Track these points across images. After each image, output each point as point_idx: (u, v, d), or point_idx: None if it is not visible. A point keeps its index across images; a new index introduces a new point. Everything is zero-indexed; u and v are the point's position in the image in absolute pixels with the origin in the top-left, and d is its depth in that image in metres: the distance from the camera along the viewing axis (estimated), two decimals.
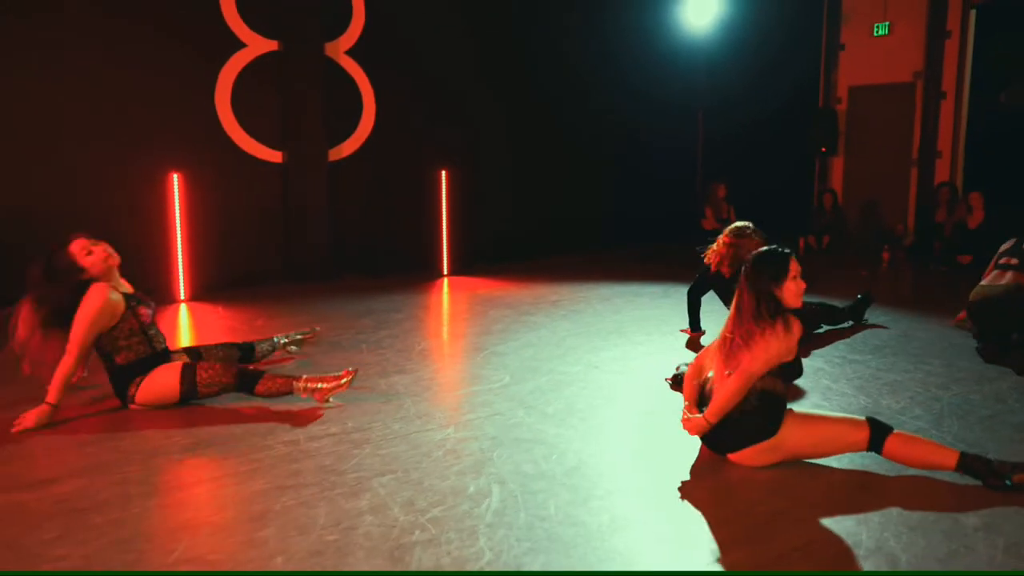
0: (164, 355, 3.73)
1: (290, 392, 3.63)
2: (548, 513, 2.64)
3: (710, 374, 3.11)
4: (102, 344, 3.57)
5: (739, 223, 4.67)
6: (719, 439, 3.02)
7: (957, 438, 3.29)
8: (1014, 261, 4.91)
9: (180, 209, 6.36)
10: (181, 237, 6.37)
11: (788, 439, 2.92)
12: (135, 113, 6.28)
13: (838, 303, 5.47)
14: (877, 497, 2.75)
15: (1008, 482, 2.75)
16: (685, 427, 3.07)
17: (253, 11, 6.72)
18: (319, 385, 3.63)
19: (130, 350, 3.59)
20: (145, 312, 3.67)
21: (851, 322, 5.40)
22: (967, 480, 2.84)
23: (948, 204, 9.13)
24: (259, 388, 3.63)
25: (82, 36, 6.04)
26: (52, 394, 3.42)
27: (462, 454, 3.14)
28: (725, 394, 2.90)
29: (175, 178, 6.33)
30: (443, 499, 2.74)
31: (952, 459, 2.83)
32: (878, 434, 2.88)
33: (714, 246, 4.72)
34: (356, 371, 3.74)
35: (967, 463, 2.81)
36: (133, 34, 6.23)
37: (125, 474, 2.94)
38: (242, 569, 2.30)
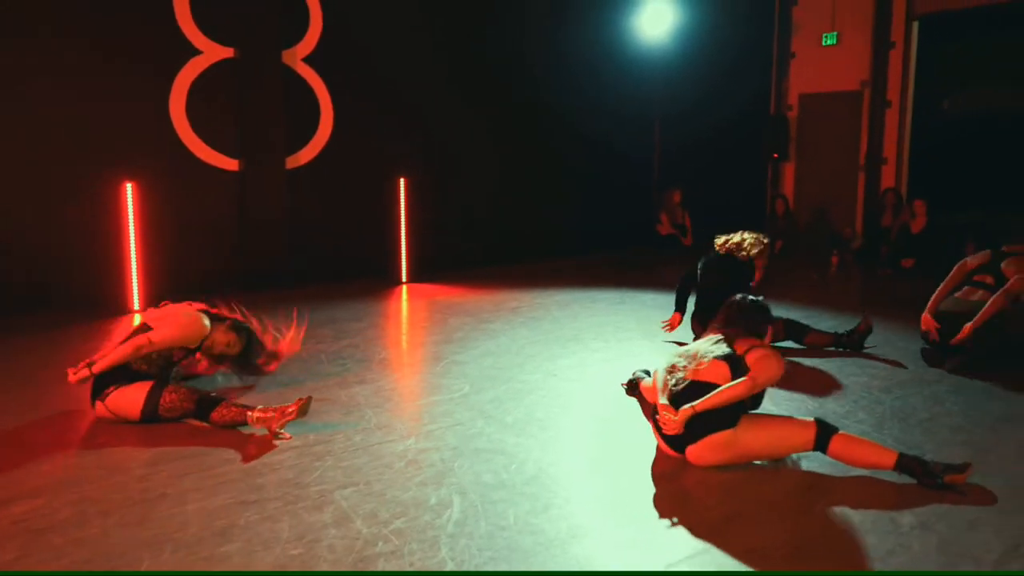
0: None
1: (244, 422, 3.58)
2: (508, 522, 2.70)
3: (680, 374, 3.21)
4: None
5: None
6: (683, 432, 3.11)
7: (898, 440, 3.45)
8: (989, 280, 4.77)
9: (134, 219, 6.27)
10: (135, 247, 6.28)
11: (743, 436, 3.07)
12: (88, 122, 6.17)
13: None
14: (824, 497, 2.88)
15: (940, 481, 2.92)
16: (669, 426, 3.10)
17: (208, 18, 6.66)
18: (271, 414, 3.54)
19: (149, 363, 3.73)
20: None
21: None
22: (904, 479, 2.99)
23: (893, 209, 9.49)
24: (214, 415, 3.60)
25: (33, 44, 5.92)
26: (99, 364, 3.61)
27: (423, 465, 3.20)
28: (726, 395, 3.05)
29: (129, 187, 6.24)
30: (405, 510, 2.80)
31: (891, 459, 2.99)
32: (824, 435, 3.03)
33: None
34: (308, 399, 3.64)
35: (904, 463, 2.97)
36: (85, 42, 6.13)
37: (83, 492, 2.92)
38: None
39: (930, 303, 4.82)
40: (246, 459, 3.24)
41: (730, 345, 3.23)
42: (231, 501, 2.86)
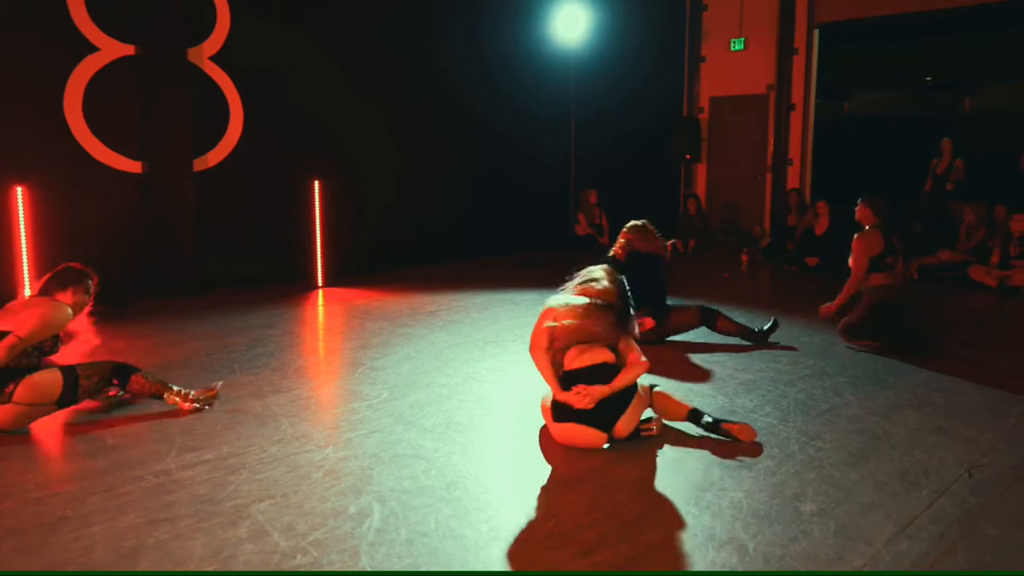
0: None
1: (161, 396, 3.77)
2: (429, 528, 2.71)
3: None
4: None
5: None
6: (605, 413, 3.38)
7: (800, 432, 3.64)
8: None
9: (25, 224, 5.93)
10: (27, 254, 5.94)
11: (640, 395, 3.53)
12: None
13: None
14: (731, 492, 3.00)
15: (719, 428, 3.49)
16: (580, 402, 3.36)
17: (105, 13, 6.35)
18: (187, 393, 3.80)
19: (27, 356, 3.64)
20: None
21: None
22: (807, 472, 3.15)
23: (797, 208, 9.95)
24: (134, 382, 3.74)
25: None
26: None
27: (342, 474, 3.16)
28: (633, 374, 3.44)
29: (19, 192, 5.90)
30: (324, 521, 2.76)
31: (684, 411, 3.57)
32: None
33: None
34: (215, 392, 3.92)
35: (692, 415, 3.56)
36: None
37: None
38: None
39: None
40: (154, 475, 3.12)
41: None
42: (139, 520, 2.75)
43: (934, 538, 2.66)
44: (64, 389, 3.63)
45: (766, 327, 5.36)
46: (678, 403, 3.62)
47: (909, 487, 3.05)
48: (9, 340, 3.54)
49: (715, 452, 3.37)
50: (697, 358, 4.96)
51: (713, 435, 3.52)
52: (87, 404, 3.86)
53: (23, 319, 3.63)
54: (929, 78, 12.43)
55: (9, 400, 3.55)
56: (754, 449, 3.40)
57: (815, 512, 2.83)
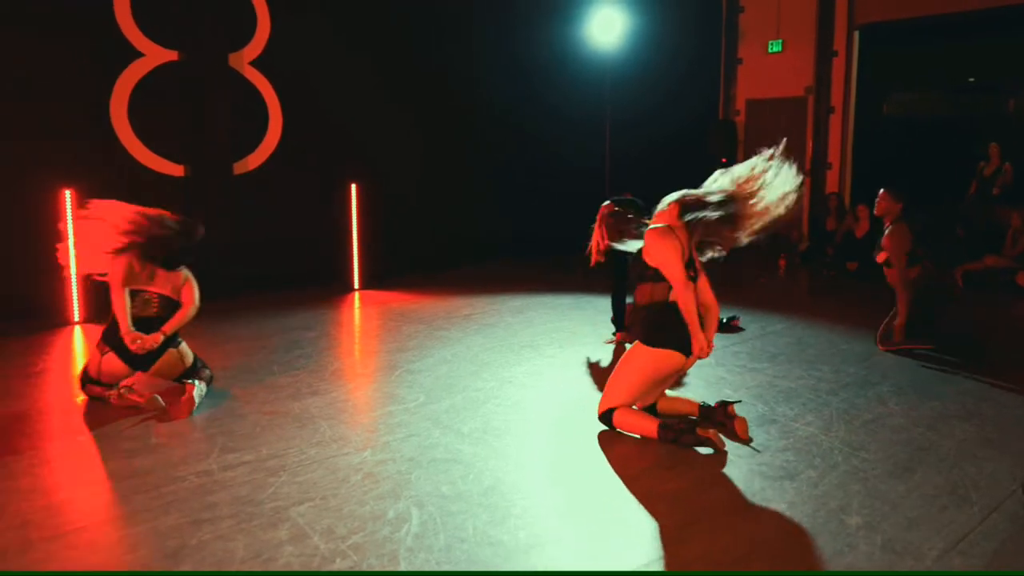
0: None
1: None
2: (467, 535, 2.70)
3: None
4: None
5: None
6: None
7: (844, 442, 3.56)
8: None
9: (73, 227, 6.06)
10: (74, 256, 6.07)
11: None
12: (25, 126, 5.96)
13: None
14: (773, 503, 2.95)
15: (694, 435, 3.45)
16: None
17: (150, 20, 6.48)
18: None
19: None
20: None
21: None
22: (852, 483, 3.08)
23: (836, 213, 9.78)
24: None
25: None
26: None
27: (380, 478, 3.17)
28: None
29: (67, 194, 6.04)
30: (363, 525, 2.77)
31: (654, 428, 3.51)
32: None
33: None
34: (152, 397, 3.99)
35: (662, 434, 3.49)
36: (23, 44, 5.91)
37: (24, 516, 2.82)
38: None
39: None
40: (196, 476, 3.16)
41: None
42: (183, 521, 2.79)
43: (987, 555, 2.58)
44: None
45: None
46: (688, 402, 3.76)
47: (959, 502, 2.96)
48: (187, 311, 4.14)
49: (756, 462, 3.32)
50: (736, 365, 4.89)
51: (708, 420, 3.67)
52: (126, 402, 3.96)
53: (188, 293, 4.22)
54: (972, 79, 12.14)
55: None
56: (797, 459, 3.34)
57: (860, 525, 2.77)
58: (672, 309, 3.52)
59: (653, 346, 3.54)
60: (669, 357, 3.53)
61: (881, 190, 5.32)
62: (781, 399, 4.19)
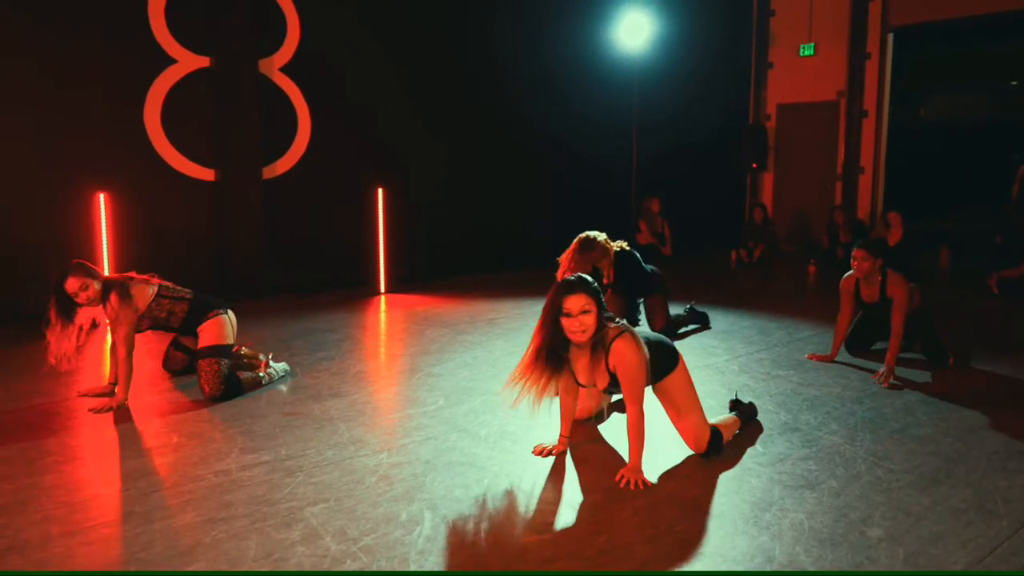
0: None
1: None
2: (479, 538, 2.69)
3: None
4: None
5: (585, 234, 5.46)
6: None
7: (868, 451, 3.48)
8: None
9: (107, 229, 6.21)
10: (108, 258, 6.22)
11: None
12: (60, 131, 6.12)
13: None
14: (792, 513, 2.89)
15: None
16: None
17: (183, 27, 6.62)
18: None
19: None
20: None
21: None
22: (874, 495, 3.01)
23: (846, 225, 9.58)
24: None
25: (4, 53, 5.86)
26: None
27: (395, 480, 3.17)
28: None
29: (102, 198, 6.18)
30: (376, 527, 2.77)
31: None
32: None
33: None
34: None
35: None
36: (57, 50, 6.07)
37: (46, 512, 2.87)
38: None
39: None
40: (215, 475, 3.20)
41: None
42: (198, 519, 2.82)
43: (1015, 571, 2.50)
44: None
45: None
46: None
47: (987, 516, 2.87)
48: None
49: (777, 471, 3.25)
50: (760, 372, 4.82)
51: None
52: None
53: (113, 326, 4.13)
54: (1015, 82, 11.86)
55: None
56: (819, 468, 3.27)
57: (882, 538, 2.70)
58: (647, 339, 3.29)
59: (671, 372, 3.33)
60: (681, 370, 3.37)
61: (855, 250, 4.81)
62: (805, 407, 4.12)
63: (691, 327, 5.94)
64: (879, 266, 4.81)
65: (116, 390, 4.06)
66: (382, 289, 7.60)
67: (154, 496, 3.01)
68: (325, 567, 2.50)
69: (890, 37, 10.32)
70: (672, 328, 5.65)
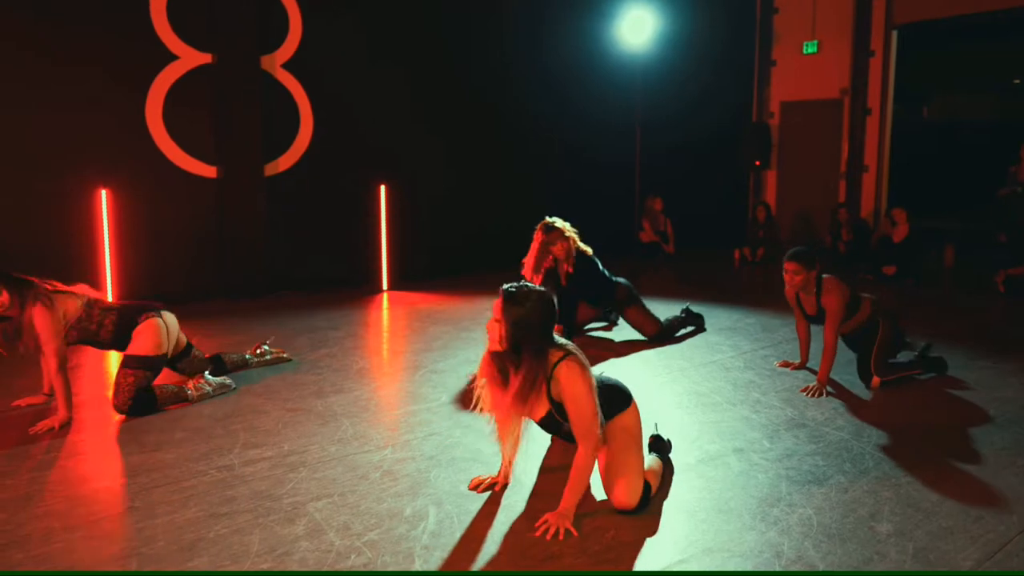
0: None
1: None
2: (483, 534, 2.66)
3: None
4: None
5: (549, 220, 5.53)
6: None
7: (876, 447, 3.45)
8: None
9: (109, 226, 6.19)
10: (110, 254, 6.20)
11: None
12: (62, 127, 6.09)
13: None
14: (800, 508, 2.86)
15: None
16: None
17: (185, 24, 6.60)
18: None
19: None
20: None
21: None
22: (883, 490, 2.98)
23: (849, 224, 9.54)
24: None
25: (6, 47, 5.84)
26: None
27: (399, 475, 3.15)
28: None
29: (103, 194, 6.16)
30: (380, 522, 2.75)
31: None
32: None
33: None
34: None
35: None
36: (60, 46, 6.05)
37: (48, 507, 2.85)
38: None
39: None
40: (218, 470, 3.18)
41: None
42: (201, 514, 2.80)
43: None
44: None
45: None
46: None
47: (997, 511, 2.84)
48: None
49: (784, 466, 3.23)
50: (767, 369, 4.78)
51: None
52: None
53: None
54: (1019, 80, 11.82)
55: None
56: (826, 464, 3.24)
57: (891, 533, 2.67)
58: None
59: (622, 413, 2.90)
60: (632, 412, 2.95)
61: (785, 262, 4.38)
62: (811, 403, 4.08)
63: (688, 329, 5.87)
64: (814, 277, 4.36)
65: (58, 408, 3.71)
66: (384, 286, 7.57)
67: (156, 491, 2.99)
68: (329, 562, 2.47)
69: (894, 34, 10.27)
70: (668, 331, 5.60)
